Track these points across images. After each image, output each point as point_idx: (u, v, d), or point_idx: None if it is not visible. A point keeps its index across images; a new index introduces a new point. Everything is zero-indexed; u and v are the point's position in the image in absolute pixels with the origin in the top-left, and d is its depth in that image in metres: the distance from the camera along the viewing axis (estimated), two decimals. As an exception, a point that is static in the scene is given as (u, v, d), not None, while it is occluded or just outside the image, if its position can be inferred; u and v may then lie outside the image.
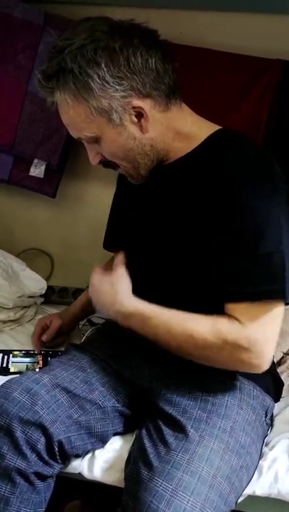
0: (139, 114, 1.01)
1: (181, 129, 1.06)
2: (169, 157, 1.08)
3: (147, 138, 1.03)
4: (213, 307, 0.99)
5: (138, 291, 1.21)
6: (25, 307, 1.63)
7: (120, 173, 1.12)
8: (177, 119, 1.06)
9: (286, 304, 0.98)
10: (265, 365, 0.99)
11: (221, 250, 0.99)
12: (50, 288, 1.74)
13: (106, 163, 1.09)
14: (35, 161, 1.67)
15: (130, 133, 1.02)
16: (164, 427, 1.02)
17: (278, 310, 0.97)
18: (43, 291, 1.68)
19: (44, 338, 1.43)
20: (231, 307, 0.98)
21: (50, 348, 1.43)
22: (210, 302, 1.00)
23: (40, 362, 1.37)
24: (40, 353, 1.41)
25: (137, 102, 0.99)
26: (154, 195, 1.12)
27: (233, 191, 0.98)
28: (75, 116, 1.01)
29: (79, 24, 1.00)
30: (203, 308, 1.00)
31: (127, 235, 1.22)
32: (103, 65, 0.95)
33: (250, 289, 0.96)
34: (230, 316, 0.98)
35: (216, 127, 1.09)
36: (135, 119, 1.01)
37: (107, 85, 0.97)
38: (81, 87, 0.97)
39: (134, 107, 1.00)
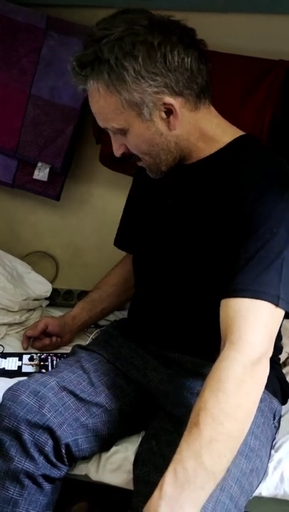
0: (169, 111, 1.02)
1: (207, 130, 1.07)
2: (191, 157, 1.09)
3: (173, 135, 1.04)
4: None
5: (148, 290, 1.21)
6: (30, 310, 1.63)
7: (141, 166, 1.12)
8: (204, 119, 1.07)
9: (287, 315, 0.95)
10: (265, 358, 0.92)
11: (229, 252, 0.98)
12: (55, 290, 1.75)
13: (128, 156, 1.09)
14: (39, 164, 1.67)
15: (158, 128, 1.03)
16: (172, 429, 1.02)
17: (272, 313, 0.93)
18: (48, 294, 1.68)
19: (28, 332, 1.44)
20: (225, 302, 0.94)
21: (40, 350, 1.43)
22: (217, 301, 0.99)
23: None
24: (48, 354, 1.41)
25: (169, 99, 1.00)
26: (173, 197, 1.13)
27: (249, 197, 0.99)
28: (105, 106, 1.01)
29: (117, 15, 1.00)
30: (211, 308, 0.99)
31: (141, 234, 1.23)
32: (140, 60, 0.96)
33: (245, 287, 0.92)
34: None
35: (240, 133, 1.10)
36: (164, 116, 1.02)
37: (141, 79, 0.97)
38: (115, 78, 0.97)
39: (164, 104, 1.00)
